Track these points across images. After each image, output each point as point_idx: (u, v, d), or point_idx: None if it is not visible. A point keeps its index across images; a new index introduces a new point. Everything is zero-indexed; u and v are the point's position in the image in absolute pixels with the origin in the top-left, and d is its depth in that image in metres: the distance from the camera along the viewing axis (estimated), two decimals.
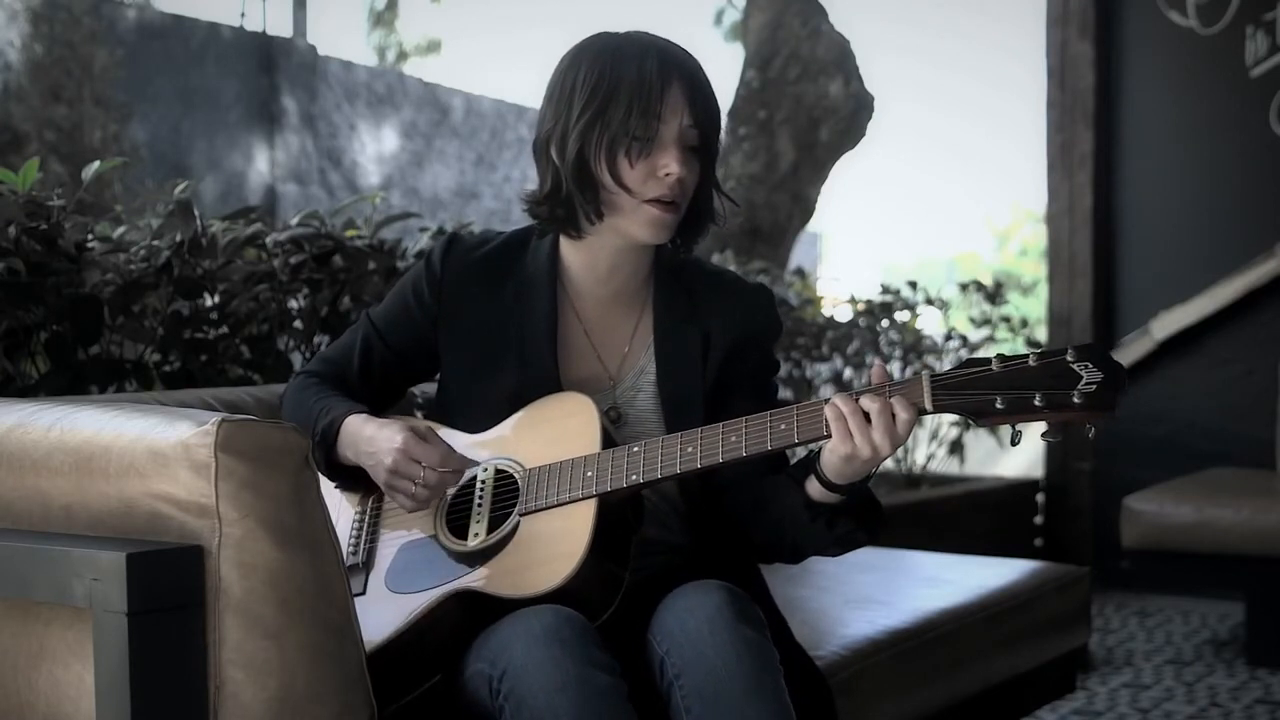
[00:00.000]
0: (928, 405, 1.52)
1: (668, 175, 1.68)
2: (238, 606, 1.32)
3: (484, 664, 1.53)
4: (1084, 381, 1.46)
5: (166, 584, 1.30)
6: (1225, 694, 3.52)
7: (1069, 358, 1.48)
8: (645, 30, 1.76)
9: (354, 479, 1.75)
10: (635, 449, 1.62)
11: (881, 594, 2.41)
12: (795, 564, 1.79)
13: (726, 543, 1.79)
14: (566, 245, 1.80)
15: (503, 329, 1.80)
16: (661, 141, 1.69)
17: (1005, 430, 1.54)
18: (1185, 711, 3.35)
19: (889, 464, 4.56)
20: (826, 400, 1.56)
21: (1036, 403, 1.47)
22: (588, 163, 1.69)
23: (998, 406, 1.49)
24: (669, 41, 1.74)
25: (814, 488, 1.63)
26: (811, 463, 1.63)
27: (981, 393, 1.50)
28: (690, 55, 1.74)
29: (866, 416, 1.53)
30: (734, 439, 1.58)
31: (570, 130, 1.69)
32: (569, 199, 1.71)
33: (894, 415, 1.53)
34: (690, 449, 1.60)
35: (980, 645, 2.32)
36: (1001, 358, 1.51)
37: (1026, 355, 1.50)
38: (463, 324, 1.81)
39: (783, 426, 1.57)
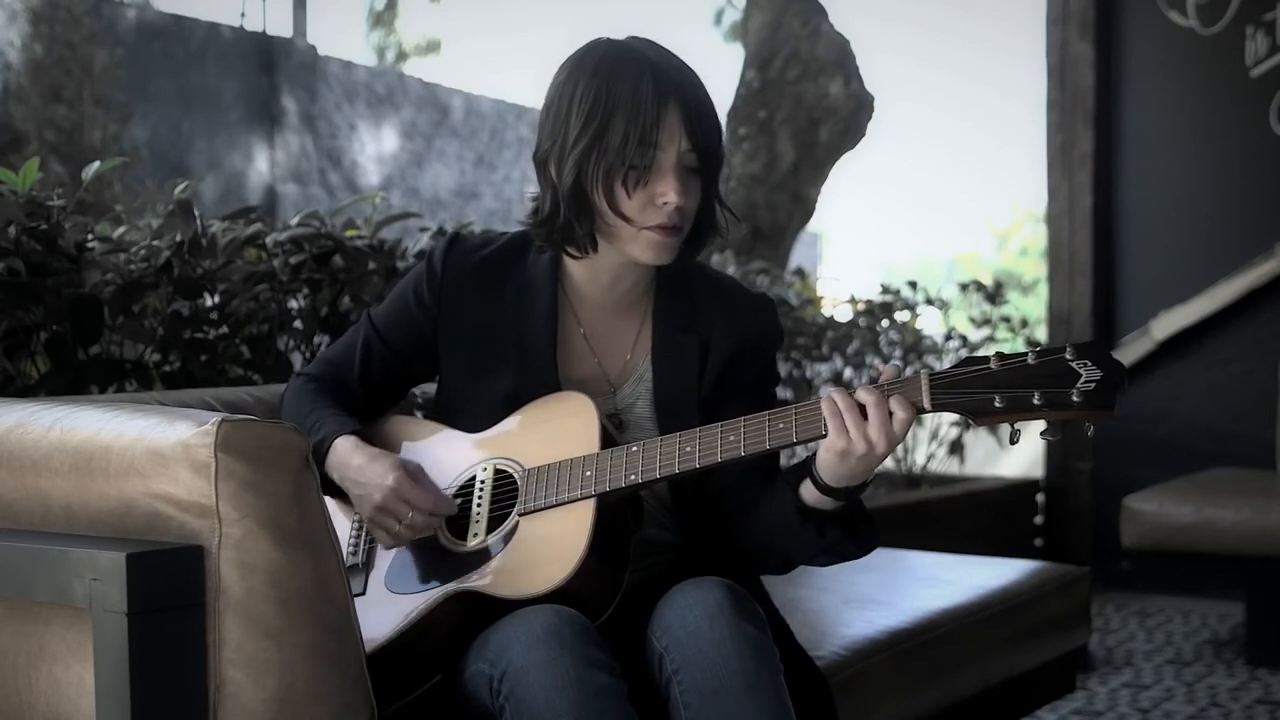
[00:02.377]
0: (926, 404, 1.51)
1: (666, 204, 1.66)
2: (238, 606, 1.32)
3: (484, 664, 1.53)
4: (1083, 380, 1.45)
5: (166, 584, 1.30)
6: (1225, 694, 3.52)
7: (1068, 356, 1.47)
8: (644, 38, 1.72)
9: (341, 491, 1.74)
10: (634, 448, 1.62)
11: (881, 594, 2.41)
12: (783, 574, 1.78)
13: (717, 548, 1.78)
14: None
15: (503, 330, 1.79)
16: (660, 169, 1.65)
17: (1004, 429, 1.53)
18: (1185, 711, 3.35)
19: (889, 464, 4.55)
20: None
21: (1035, 401, 1.46)
22: (584, 190, 1.66)
23: (996, 405, 1.48)
24: (667, 54, 1.70)
25: (808, 491, 1.62)
26: (807, 466, 1.62)
27: (980, 391, 1.49)
28: (688, 70, 1.69)
29: (862, 411, 1.53)
30: (732, 438, 1.58)
31: (567, 154, 1.66)
32: (567, 225, 1.69)
33: (891, 414, 1.52)
34: (689, 448, 1.60)
35: (980, 645, 2.32)
36: (1000, 356, 1.50)
37: (1025, 353, 1.49)
38: (463, 324, 1.80)
39: (781, 426, 1.56)
